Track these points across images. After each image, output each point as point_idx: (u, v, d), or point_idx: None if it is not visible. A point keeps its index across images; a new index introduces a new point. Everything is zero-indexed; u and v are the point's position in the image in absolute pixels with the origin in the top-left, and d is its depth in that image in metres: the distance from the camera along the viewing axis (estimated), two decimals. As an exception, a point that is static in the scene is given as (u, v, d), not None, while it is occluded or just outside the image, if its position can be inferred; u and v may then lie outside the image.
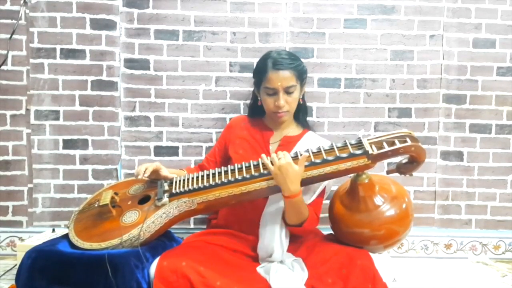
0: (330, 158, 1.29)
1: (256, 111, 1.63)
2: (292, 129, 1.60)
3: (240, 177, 1.33)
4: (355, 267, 1.23)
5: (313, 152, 1.33)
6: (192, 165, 1.85)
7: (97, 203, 1.41)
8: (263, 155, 1.33)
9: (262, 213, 1.43)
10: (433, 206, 1.93)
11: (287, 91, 1.47)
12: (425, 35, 1.88)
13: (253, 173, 1.33)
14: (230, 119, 1.85)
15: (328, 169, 1.29)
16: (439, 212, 1.94)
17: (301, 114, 1.62)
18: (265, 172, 1.32)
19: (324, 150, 1.32)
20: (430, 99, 1.90)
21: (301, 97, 1.56)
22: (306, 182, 1.33)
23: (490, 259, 1.91)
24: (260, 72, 1.50)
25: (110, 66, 1.84)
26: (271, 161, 1.29)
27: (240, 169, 1.36)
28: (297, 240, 1.46)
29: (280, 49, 1.67)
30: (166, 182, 1.43)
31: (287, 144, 1.53)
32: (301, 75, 1.50)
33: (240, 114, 1.86)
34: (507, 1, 1.88)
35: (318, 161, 1.30)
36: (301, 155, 1.30)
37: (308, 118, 1.70)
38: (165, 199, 1.35)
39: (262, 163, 1.33)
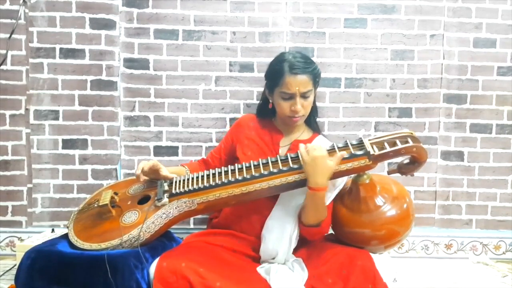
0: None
1: (265, 112, 1.59)
2: (303, 133, 1.56)
3: (240, 178, 1.32)
4: (355, 267, 1.23)
5: None
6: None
7: (96, 203, 1.40)
8: (301, 145, 1.32)
9: (268, 216, 1.41)
10: (434, 206, 1.93)
11: (304, 96, 1.43)
12: (425, 34, 1.88)
13: (253, 173, 1.32)
14: (230, 119, 1.85)
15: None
16: (439, 212, 1.93)
17: (312, 117, 1.56)
18: (265, 172, 1.32)
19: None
20: (430, 99, 1.89)
21: None
22: (303, 183, 1.31)
23: (490, 259, 1.91)
24: (275, 75, 1.44)
25: (109, 65, 1.83)
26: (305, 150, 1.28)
27: (240, 170, 1.36)
28: (299, 240, 1.45)
29: (294, 51, 1.61)
30: (166, 182, 1.42)
31: (297, 147, 1.50)
32: (316, 79, 1.46)
33: (240, 114, 1.85)
34: (508, 1, 1.88)
35: None
36: (338, 148, 1.30)
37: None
38: (165, 199, 1.34)
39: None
